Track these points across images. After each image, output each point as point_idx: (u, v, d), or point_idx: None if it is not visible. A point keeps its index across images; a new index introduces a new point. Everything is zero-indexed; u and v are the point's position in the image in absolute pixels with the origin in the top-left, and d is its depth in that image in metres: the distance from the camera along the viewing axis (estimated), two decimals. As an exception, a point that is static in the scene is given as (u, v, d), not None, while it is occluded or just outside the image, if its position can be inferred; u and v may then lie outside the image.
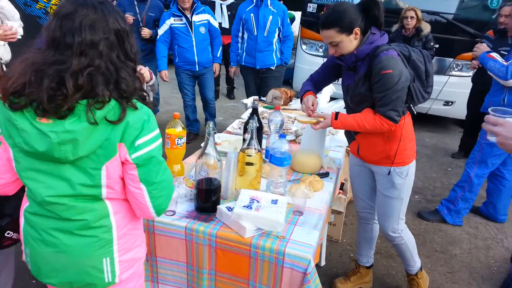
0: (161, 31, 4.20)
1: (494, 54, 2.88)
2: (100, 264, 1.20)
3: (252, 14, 4.16)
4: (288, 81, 7.98)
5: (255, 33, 4.19)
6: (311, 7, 5.68)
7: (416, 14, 4.68)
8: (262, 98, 3.62)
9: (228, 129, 2.75)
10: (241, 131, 2.59)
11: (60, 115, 1.05)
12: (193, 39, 4.21)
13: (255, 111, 2.10)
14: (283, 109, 3.24)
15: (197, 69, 4.35)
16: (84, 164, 1.11)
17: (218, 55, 4.48)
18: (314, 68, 6.81)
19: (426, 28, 4.69)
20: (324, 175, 2.05)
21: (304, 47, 5.86)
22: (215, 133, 1.63)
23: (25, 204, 1.22)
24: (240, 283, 1.59)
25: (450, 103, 5.38)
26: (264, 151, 2.09)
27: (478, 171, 3.12)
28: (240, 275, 1.58)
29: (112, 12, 1.12)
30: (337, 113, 1.90)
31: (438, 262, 2.84)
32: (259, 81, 4.45)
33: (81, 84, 1.04)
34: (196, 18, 4.19)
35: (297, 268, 1.46)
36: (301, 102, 2.10)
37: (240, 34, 4.41)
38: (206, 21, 4.27)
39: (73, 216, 1.15)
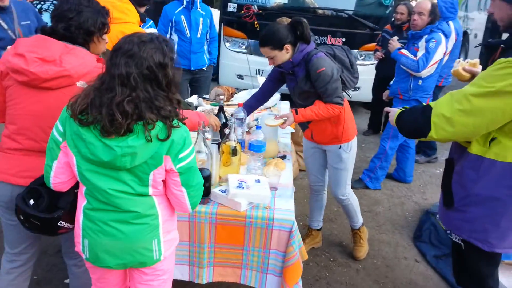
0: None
1: (404, 51, 3.62)
2: (150, 245, 1.50)
3: (183, 16, 4.27)
4: (212, 78, 8.31)
5: (188, 34, 4.32)
6: (231, 7, 6.06)
7: None
8: (205, 96, 3.94)
9: (186, 127, 3.05)
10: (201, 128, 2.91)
11: (122, 134, 1.31)
12: None
13: (221, 109, 2.46)
14: (227, 105, 3.61)
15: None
16: (136, 170, 1.39)
17: None
18: (238, 64, 7.31)
19: None
20: (283, 157, 2.51)
21: (227, 44, 6.23)
22: (205, 129, 1.97)
23: (82, 202, 1.47)
24: (236, 250, 1.97)
25: (357, 89, 6.22)
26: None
27: (392, 144, 3.86)
28: (236, 243, 1.95)
29: (150, 49, 1.33)
30: (296, 110, 2.35)
31: (367, 219, 3.50)
32: (192, 82, 4.62)
33: (127, 111, 1.29)
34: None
35: (284, 229, 1.89)
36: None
37: (167, 36, 4.56)
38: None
39: (129, 208, 1.43)
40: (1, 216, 1.83)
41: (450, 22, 3.98)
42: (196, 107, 3.57)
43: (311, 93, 2.38)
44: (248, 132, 2.95)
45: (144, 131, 1.32)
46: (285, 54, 2.30)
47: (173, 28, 4.40)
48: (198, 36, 4.39)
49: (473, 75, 1.89)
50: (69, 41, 1.66)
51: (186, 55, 4.40)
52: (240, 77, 6.28)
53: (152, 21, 4.34)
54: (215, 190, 1.98)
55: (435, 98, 4.48)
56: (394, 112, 1.83)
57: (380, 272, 2.87)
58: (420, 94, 3.68)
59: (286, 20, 5.17)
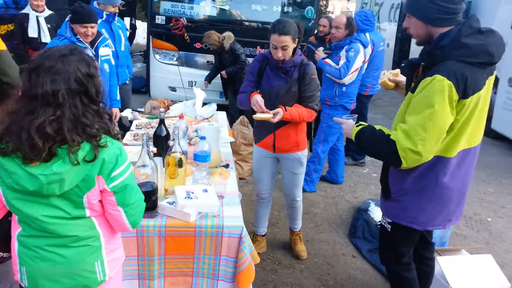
0: None
1: (328, 60, 3.89)
2: (93, 267, 1.44)
3: (104, 30, 4.00)
4: (139, 90, 8.13)
5: (113, 49, 4.04)
6: (159, 19, 6.02)
7: (216, 38, 5.28)
8: (139, 109, 3.87)
9: (124, 141, 2.98)
10: (137, 142, 2.87)
11: (45, 160, 1.23)
12: None
13: (162, 122, 2.46)
14: (166, 117, 3.59)
15: None
16: (68, 195, 1.33)
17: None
18: (170, 76, 7.27)
19: (228, 41, 5.28)
20: (226, 166, 2.56)
21: (157, 56, 6.16)
22: (149, 143, 1.96)
23: (17, 229, 1.39)
24: (187, 259, 1.98)
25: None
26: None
27: (323, 148, 4.10)
28: (186, 253, 1.97)
29: (74, 61, 1.27)
30: (285, 107, 2.48)
31: (306, 221, 3.67)
32: None
33: (49, 133, 1.20)
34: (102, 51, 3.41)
35: (233, 235, 1.94)
36: (249, 104, 2.56)
37: None
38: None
39: (66, 233, 1.37)
40: None
41: (367, 34, 4.35)
42: (131, 122, 3.50)
43: (295, 95, 2.57)
44: (189, 144, 2.97)
45: (69, 155, 1.24)
46: (292, 48, 2.48)
47: None
48: (122, 49, 4.27)
49: (397, 84, 2.17)
50: None
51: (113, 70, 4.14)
52: (173, 89, 6.24)
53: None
54: (162, 203, 1.98)
55: (365, 107, 4.85)
56: (348, 125, 2.02)
57: (322, 270, 3.03)
58: (345, 99, 3.97)
59: (215, 33, 5.31)
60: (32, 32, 5.18)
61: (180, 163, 2.08)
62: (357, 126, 1.97)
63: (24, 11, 5.37)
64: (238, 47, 5.40)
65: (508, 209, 4.18)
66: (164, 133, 2.41)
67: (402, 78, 2.14)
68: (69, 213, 1.36)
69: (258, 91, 2.64)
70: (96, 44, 3.27)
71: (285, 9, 6.22)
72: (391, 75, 2.13)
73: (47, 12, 5.32)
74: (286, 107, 2.51)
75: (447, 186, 1.85)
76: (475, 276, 2.48)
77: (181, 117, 2.54)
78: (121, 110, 3.77)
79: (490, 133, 6.13)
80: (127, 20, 13.47)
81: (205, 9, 6.13)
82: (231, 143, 4.28)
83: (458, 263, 2.54)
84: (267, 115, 2.45)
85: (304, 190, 4.18)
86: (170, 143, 2.10)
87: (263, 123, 2.57)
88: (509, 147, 6.01)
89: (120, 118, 3.54)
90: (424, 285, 2.31)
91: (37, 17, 5.22)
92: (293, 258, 3.13)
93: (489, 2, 6.68)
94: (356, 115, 2.20)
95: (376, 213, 3.64)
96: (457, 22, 1.73)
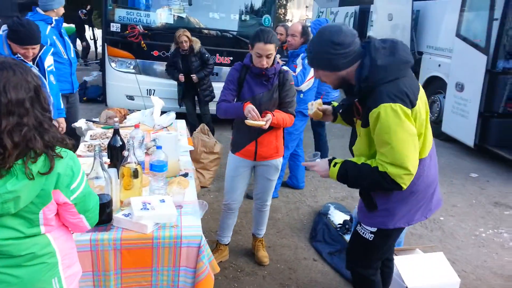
0: None
1: (285, 68, 3.93)
2: (50, 284, 1.39)
3: (54, 37, 3.81)
4: (95, 99, 7.90)
5: (65, 56, 3.94)
6: (114, 26, 5.88)
7: (188, 37, 5.29)
8: (94, 119, 3.75)
9: (78, 153, 2.88)
10: (91, 153, 2.78)
11: (1, 175, 1.18)
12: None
13: (117, 132, 2.39)
14: (121, 126, 3.50)
15: None
16: (22, 212, 1.27)
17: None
18: (126, 85, 7.16)
19: (197, 44, 5.41)
20: (185, 175, 2.53)
21: (113, 64, 6.02)
22: (101, 154, 1.90)
23: None
24: (145, 272, 1.93)
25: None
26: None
27: (284, 154, 4.13)
28: (144, 266, 1.91)
29: (28, 70, 1.26)
30: (273, 113, 2.56)
31: (268, 227, 3.66)
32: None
33: (17, 142, 1.18)
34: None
35: (192, 245, 1.91)
36: (237, 113, 2.57)
37: None
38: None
39: (21, 252, 1.31)
40: None
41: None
42: (83, 131, 3.39)
43: (276, 101, 2.68)
44: (146, 153, 2.91)
45: (24, 168, 1.20)
46: (273, 57, 2.60)
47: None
48: (72, 55, 4.06)
49: (324, 112, 2.27)
50: None
51: (67, 78, 3.98)
52: (130, 97, 6.10)
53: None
54: (117, 215, 1.92)
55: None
56: (322, 167, 2.02)
57: (284, 275, 3.05)
58: (303, 106, 4.04)
59: (187, 32, 5.21)
60: None
61: (135, 174, 2.03)
62: (334, 166, 1.96)
63: None
64: (205, 51, 5.42)
65: (459, 207, 4.40)
66: (119, 143, 2.35)
67: (328, 106, 2.28)
68: (23, 232, 1.30)
69: (236, 99, 2.73)
70: (39, 56, 2.98)
71: (243, 17, 6.27)
72: (318, 105, 2.26)
73: None
74: (274, 113, 2.59)
75: (427, 180, 1.95)
76: (428, 273, 2.59)
77: (136, 126, 2.48)
78: (70, 119, 3.64)
79: (441, 136, 6.45)
80: (89, 31, 12.98)
81: (161, 17, 6.06)
82: (191, 151, 4.24)
83: (413, 261, 2.64)
84: (260, 122, 2.47)
85: (265, 196, 4.23)
86: (125, 153, 2.05)
87: (243, 132, 2.70)
88: (459, 149, 6.34)
89: (74, 128, 3.41)
90: (385, 286, 2.38)
91: None
92: (256, 264, 3.13)
93: (435, 11, 7.06)
94: (319, 153, 2.29)
95: (336, 216, 3.73)
96: (360, 55, 1.82)
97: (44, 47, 3.16)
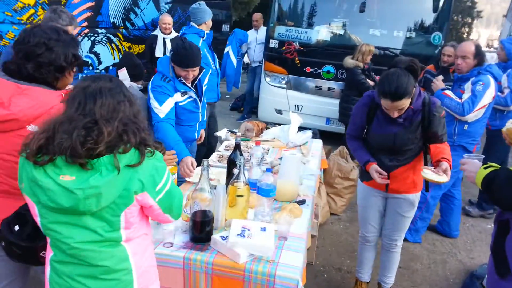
0: (165, 109, 2.67)
1: (448, 92, 3.33)
2: None
3: (205, 49, 3.91)
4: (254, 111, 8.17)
5: (214, 67, 4.06)
6: (273, 43, 6.06)
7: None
8: (234, 130, 3.82)
9: (209, 162, 2.91)
10: (220, 164, 2.78)
11: (86, 165, 1.18)
12: (200, 115, 2.99)
13: (237, 147, 2.31)
14: (256, 140, 3.45)
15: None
16: (104, 213, 1.25)
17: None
18: (278, 99, 7.23)
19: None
20: (301, 202, 2.28)
21: (268, 79, 6.19)
22: (209, 169, 1.82)
23: (49, 253, 1.34)
24: (234, 304, 1.75)
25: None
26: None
27: (433, 193, 3.48)
28: (234, 297, 1.74)
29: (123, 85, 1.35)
30: (447, 158, 2.17)
31: (402, 277, 3.11)
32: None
33: (110, 130, 1.20)
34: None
35: (286, 288, 1.65)
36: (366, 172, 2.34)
37: None
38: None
39: (98, 262, 1.28)
40: None
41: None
42: (222, 141, 3.46)
43: (417, 139, 2.29)
44: (273, 172, 2.76)
45: (114, 157, 1.20)
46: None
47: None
48: (218, 66, 4.26)
49: None
50: (35, 81, 1.52)
51: (214, 87, 4.15)
52: (279, 111, 6.18)
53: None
54: (215, 236, 1.80)
55: (489, 142, 4.07)
56: (473, 166, 1.66)
57: None
58: (465, 139, 3.33)
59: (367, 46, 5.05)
60: (158, 52, 5.68)
61: (241, 194, 1.88)
62: (485, 168, 1.58)
63: (154, 32, 5.94)
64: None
65: None
66: (238, 158, 2.25)
67: None
68: (102, 235, 1.27)
69: (366, 135, 2.42)
70: (198, 78, 2.93)
71: (408, 34, 5.68)
72: None
73: (174, 34, 5.78)
74: (445, 157, 2.17)
75: None
76: None
77: (257, 143, 2.35)
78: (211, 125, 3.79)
79: None
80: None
81: (319, 34, 5.97)
82: (325, 175, 3.97)
83: None
84: (441, 178, 2.08)
85: (405, 239, 3.63)
86: (235, 171, 1.92)
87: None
88: None
89: (214, 137, 3.52)
90: None
91: (164, 38, 5.72)
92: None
93: None
94: (483, 156, 1.80)
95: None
96: None
97: (204, 70, 3.11)
